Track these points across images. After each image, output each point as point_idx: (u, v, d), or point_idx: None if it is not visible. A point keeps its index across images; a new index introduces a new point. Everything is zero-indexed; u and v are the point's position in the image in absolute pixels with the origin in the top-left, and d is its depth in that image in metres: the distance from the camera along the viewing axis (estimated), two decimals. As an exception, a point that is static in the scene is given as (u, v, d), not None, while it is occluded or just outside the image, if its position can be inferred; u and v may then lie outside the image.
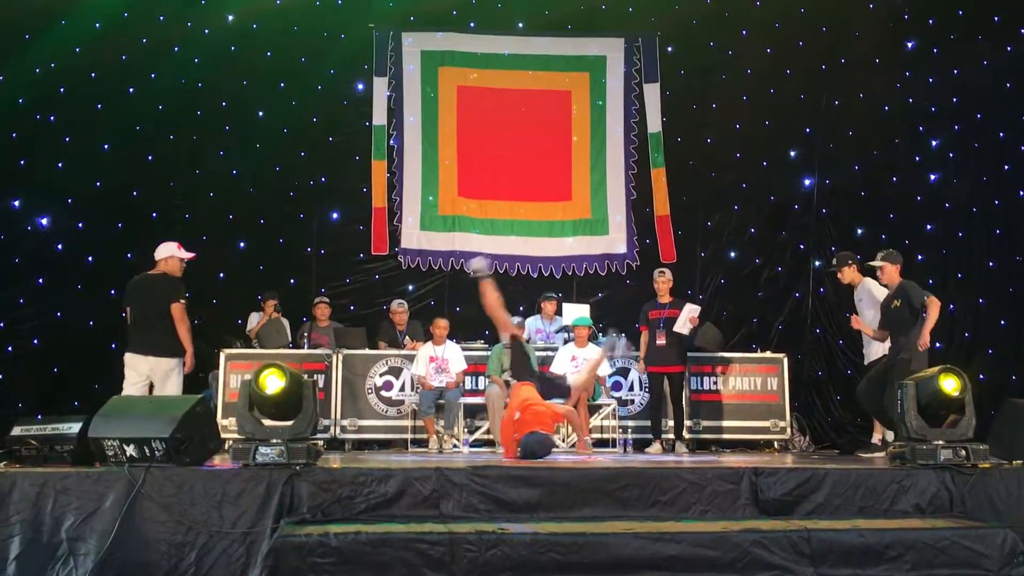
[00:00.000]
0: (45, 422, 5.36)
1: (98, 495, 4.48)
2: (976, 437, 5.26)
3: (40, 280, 9.29)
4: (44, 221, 9.48)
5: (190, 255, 7.18)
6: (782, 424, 9.10)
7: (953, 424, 5.30)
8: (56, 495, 4.47)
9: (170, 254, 7.10)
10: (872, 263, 7.47)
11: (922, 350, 6.91)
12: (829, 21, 11.03)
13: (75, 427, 5.17)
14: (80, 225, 9.61)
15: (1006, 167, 10.58)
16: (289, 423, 4.93)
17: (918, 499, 4.94)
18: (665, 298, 8.51)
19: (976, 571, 4.37)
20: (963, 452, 5.09)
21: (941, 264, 10.43)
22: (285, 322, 9.57)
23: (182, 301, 6.90)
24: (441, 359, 8.57)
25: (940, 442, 5.15)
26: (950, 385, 5.26)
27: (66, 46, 9.65)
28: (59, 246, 9.51)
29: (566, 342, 8.99)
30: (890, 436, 7.65)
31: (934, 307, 6.94)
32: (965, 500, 4.89)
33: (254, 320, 9.59)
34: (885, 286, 7.43)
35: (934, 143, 10.89)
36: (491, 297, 7.13)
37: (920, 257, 10.14)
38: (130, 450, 4.70)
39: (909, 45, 11.05)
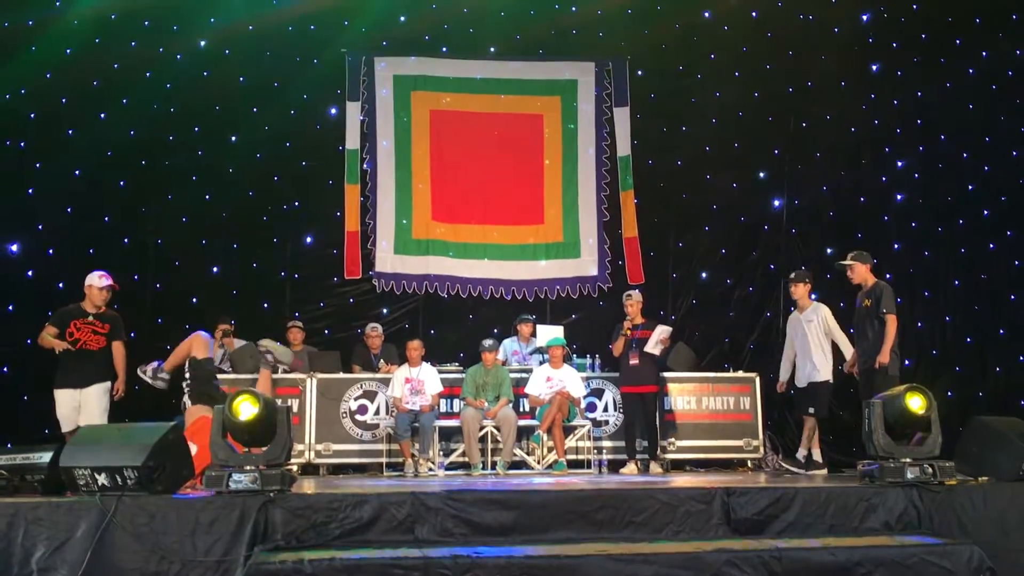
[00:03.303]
0: (15, 451, 5.33)
1: (69, 525, 4.45)
2: (943, 454, 5.34)
3: (10, 307, 9.19)
4: (14, 247, 9.38)
5: (107, 283, 7.27)
6: (755, 443, 9.16)
7: (919, 442, 5.38)
8: (27, 525, 4.44)
9: (88, 284, 7.27)
10: (842, 262, 7.62)
11: (877, 367, 7.06)
12: (795, 45, 11.22)
13: (46, 456, 5.15)
14: (50, 251, 9.52)
15: (970, 187, 10.81)
16: (263, 449, 4.92)
17: (887, 517, 5.01)
18: (637, 319, 8.60)
19: (944, 587, 4.44)
20: (930, 470, 5.17)
21: (908, 283, 10.58)
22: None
23: (47, 325, 7.24)
24: (416, 380, 8.57)
25: (907, 460, 5.23)
26: (916, 403, 5.34)
27: (37, 71, 9.61)
28: (29, 272, 9.40)
29: (541, 363, 9.03)
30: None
31: (891, 325, 7.07)
32: (933, 517, 4.97)
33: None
34: (859, 285, 7.57)
35: (900, 164, 11.10)
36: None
37: (888, 276, 10.21)
38: (102, 479, 4.66)
39: (874, 68, 11.27)
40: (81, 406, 7.05)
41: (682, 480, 7.04)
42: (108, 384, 7.20)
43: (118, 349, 7.29)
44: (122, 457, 4.68)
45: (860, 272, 7.48)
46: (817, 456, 8.07)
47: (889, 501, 5.05)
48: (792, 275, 8.35)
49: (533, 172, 11.12)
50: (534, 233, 11.01)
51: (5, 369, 9.07)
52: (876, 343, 7.12)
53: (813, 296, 8.31)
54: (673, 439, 9.06)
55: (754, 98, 11.23)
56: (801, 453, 8.01)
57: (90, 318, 7.19)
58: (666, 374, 9.06)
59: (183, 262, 10.25)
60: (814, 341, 7.94)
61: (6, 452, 5.34)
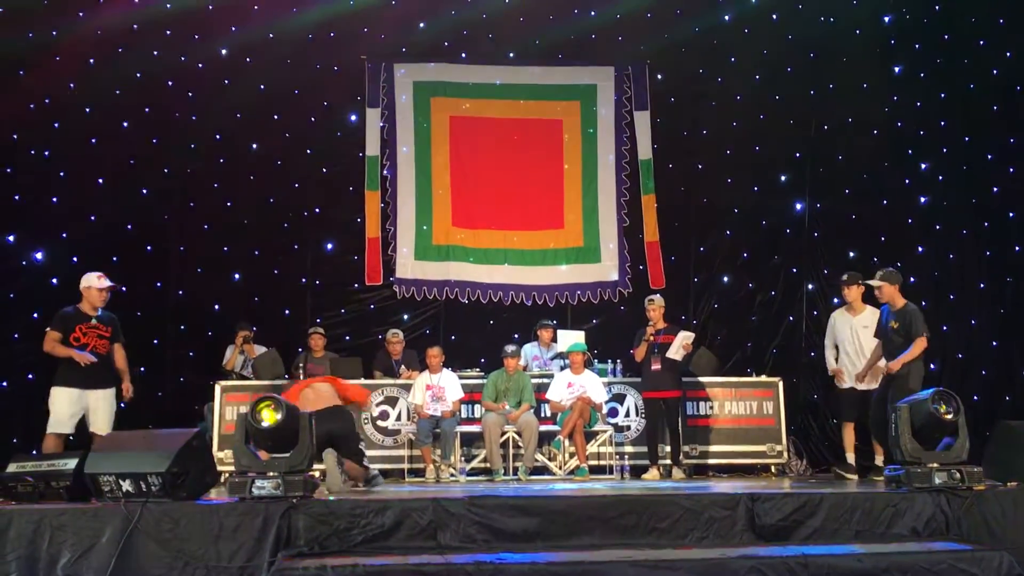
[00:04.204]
0: (41, 458, 5.39)
1: (94, 531, 4.48)
2: (970, 459, 5.28)
3: (35, 315, 9.25)
4: (39, 256, 9.48)
5: (108, 284, 6.95)
6: (779, 448, 9.09)
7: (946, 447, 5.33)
8: (52, 532, 4.48)
9: (87, 285, 6.94)
10: (870, 282, 7.53)
11: (891, 372, 7.00)
12: (816, 47, 11.14)
13: (71, 463, 5.20)
14: (75, 259, 9.56)
15: (995, 189, 10.69)
16: (285, 455, 4.93)
17: (914, 522, 4.95)
18: (659, 324, 8.55)
19: (973, 594, 4.38)
20: (957, 475, 5.12)
21: (933, 286, 10.49)
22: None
23: (49, 331, 6.81)
24: (438, 387, 8.57)
25: (935, 465, 5.17)
26: (943, 408, 5.29)
27: (60, 81, 9.73)
28: (54, 281, 9.47)
29: (562, 368, 9.01)
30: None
31: (919, 346, 7.00)
32: (961, 523, 4.91)
33: (229, 352, 9.53)
34: (885, 305, 7.48)
35: (923, 166, 11.00)
36: None
37: (912, 279, 10.16)
38: (126, 485, 4.70)
39: (896, 70, 11.17)
40: (88, 410, 6.78)
41: (706, 486, 6.99)
42: (114, 390, 6.97)
43: (119, 351, 7.05)
44: (146, 464, 4.72)
45: (888, 292, 7.35)
46: (851, 459, 7.98)
47: (916, 507, 4.99)
48: (845, 276, 8.16)
49: (553, 177, 11.10)
50: (554, 238, 10.99)
51: (31, 376, 9.14)
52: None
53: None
54: (696, 444, 9.01)
55: (775, 101, 11.16)
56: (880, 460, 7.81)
57: (93, 321, 6.89)
58: (688, 379, 9.01)
59: (205, 269, 10.31)
60: (870, 347, 7.81)
61: (32, 459, 5.39)
